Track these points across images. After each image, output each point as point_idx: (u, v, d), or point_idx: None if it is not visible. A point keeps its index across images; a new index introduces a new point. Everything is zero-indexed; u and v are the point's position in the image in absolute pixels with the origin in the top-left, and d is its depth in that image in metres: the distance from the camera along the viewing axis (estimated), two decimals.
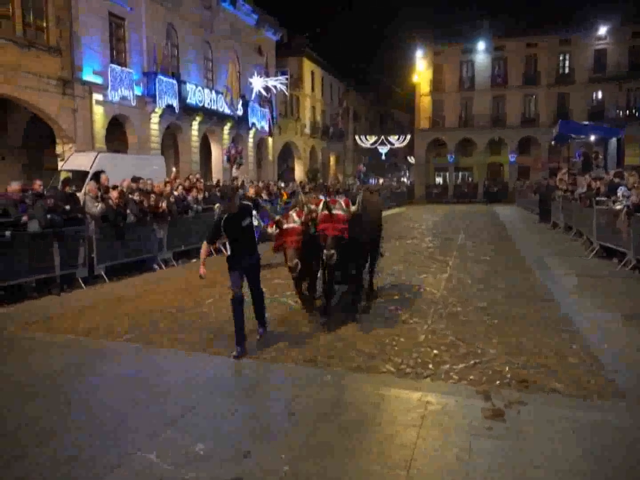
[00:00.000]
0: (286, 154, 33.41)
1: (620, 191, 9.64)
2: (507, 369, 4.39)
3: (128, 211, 8.80)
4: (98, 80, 16.57)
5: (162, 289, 7.76)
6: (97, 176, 10.46)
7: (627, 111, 32.69)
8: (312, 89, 36.41)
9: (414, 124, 38.41)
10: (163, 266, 9.53)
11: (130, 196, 9.21)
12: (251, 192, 10.42)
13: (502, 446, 3.20)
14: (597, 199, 10.62)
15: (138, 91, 18.41)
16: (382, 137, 37.12)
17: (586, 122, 22.82)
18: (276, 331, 5.52)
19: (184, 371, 4.48)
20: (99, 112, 16.73)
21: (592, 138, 17.27)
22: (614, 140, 16.44)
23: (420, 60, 36.75)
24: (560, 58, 34.70)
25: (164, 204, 9.66)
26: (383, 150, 36.94)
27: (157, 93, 18.73)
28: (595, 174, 13.54)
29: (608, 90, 32.98)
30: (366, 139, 37.41)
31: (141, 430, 3.40)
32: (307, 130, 35.11)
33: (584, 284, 7.75)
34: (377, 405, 3.80)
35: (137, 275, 8.82)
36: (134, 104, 18.15)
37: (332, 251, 5.01)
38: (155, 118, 19.32)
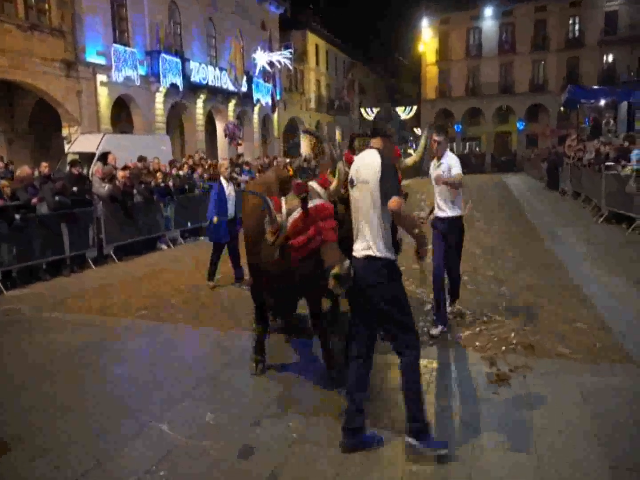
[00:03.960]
0: (292, 129, 33.10)
1: (637, 156, 9.48)
2: (512, 335, 4.42)
3: (135, 191, 8.86)
4: (102, 60, 16.47)
5: (171, 267, 7.87)
6: (104, 157, 10.50)
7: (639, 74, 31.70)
8: (317, 62, 35.77)
9: (421, 95, 37.69)
10: (171, 245, 9.63)
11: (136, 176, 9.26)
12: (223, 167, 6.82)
13: (508, 409, 3.25)
14: (606, 164, 10.47)
15: (142, 71, 18.28)
16: None
17: (596, 87, 22.23)
18: None
19: (197, 346, 4.59)
20: (103, 93, 16.68)
21: (602, 103, 16.88)
22: (624, 104, 16.05)
23: (426, 29, 35.80)
24: (570, 21, 33.60)
25: (170, 183, 9.72)
26: None
27: (161, 72, 18.62)
28: (605, 139, 13.28)
29: (619, 53, 31.96)
30: (372, 111, 36.86)
31: (156, 403, 3.50)
32: (312, 105, 34.67)
33: (593, 251, 7.70)
34: (384, 372, 3.86)
35: (145, 255, 8.93)
36: (138, 83, 18.04)
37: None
38: (159, 97, 19.23)
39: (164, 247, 9.46)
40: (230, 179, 6.69)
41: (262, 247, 3.32)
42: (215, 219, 6.33)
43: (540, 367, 3.81)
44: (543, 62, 34.30)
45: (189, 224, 10.31)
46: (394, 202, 2.60)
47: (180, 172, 10.95)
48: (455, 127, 35.90)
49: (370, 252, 2.73)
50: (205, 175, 11.65)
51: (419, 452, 2.77)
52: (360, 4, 65.24)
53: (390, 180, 2.68)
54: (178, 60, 19.63)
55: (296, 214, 3.00)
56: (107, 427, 3.23)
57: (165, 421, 3.26)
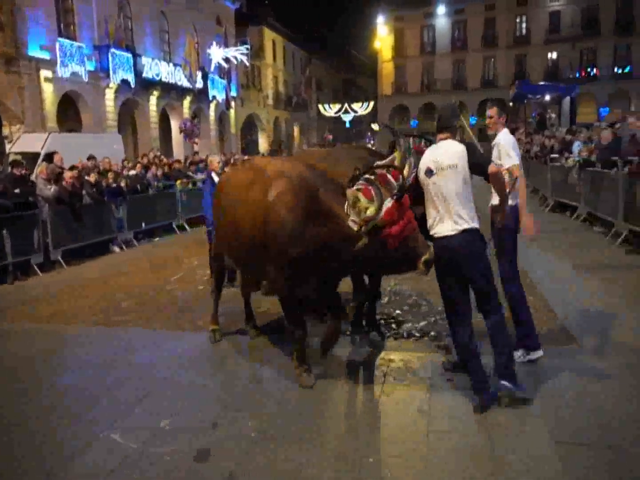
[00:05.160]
0: (249, 126, 32.78)
1: (578, 148, 9.99)
2: None
3: (84, 192, 8.50)
4: (45, 55, 15.70)
5: (124, 270, 7.61)
6: (49, 158, 10.02)
7: (581, 70, 33.48)
8: (274, 58, 35.56)
9: (378, 91, 38.23)
10: (124, 247, 9.31)
11: (86, 177, 8.90)
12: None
13: (461, 395, 3.34)
14: (551, 156, 10.98)
15: (90, 66, 17.58)
16: (346, 105, 36.84)
17: (542, 83, 23.30)
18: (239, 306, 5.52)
19: (152, 350, 4.45)
20: (48, 89, 15.91)
21: (547, 98, 17.71)
22: (567, 99, 16.92)
23: (382, 26, 36.38)
24: (517, 20, 34.99)
25: (122, 183, 9.40)
26: (347, 118, 36.72)
27: (110, 68, 17.99)
28: (549, 133, 13.93)
29: (562, 50, 33.63)
30: (330, 107, 37.03)
31: (109, 412, 3.38)
32: (270, 101, 34.47)
33: (539, 238, 8.01)
34: (343, 365, 3.90)
35: (96, 259, 8.58)
36: (86, 79, 17.35)
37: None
38: (110, 94, 18.56)
39: (117, 249, 9.13)
40: (220, 175, 6.32)
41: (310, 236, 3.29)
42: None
43: (492, 352, 3.93)
44: (493, 59, 35.55)
45: (143, 224, 10.00)
46: (492, 166, 3.11)
47: (133, 172, 10.61)
48: (411, 122, 36.66)
49: (466, 226, 3.08)
50: (159, 173, 11.34)
51: (512, 395, 3.13)
52: None
53: (480, 154, 3.26)
54: (129, 55, 19.01)
55: (388, 203, 3.04)
56: (57, 440, 3.09)
57: (117, 430, 3.15)
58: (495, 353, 3.23)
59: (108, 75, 17.99)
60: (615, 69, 33.25)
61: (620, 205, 7.10)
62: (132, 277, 7.14)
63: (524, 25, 35.05)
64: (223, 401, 3.48)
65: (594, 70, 33.36)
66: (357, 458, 2.77)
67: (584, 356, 3.83)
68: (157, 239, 10.34)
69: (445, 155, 3.11)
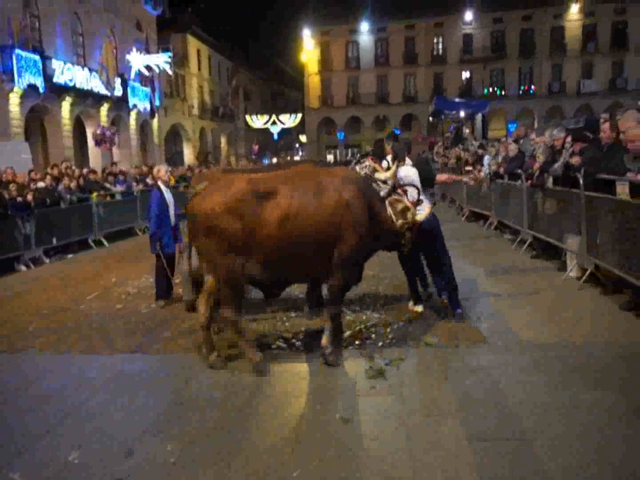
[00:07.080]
0: (174, 136, 31.80)
1: (487, 161, 10.76)
2: (388, 330, 4.70)
3: None
4: None
5: (32, 290, 7.00)
6: None
7: (491, 89, 36.48)
8: (199, 67, 34.89)
9: (305, 103, 38.82)
10: (32, 265, 8.56)
11: None
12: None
13: (384, 401, 3.43)
14: (466, 169, 11.73)
15: None
16: (274, 116, 36.96)
17: (457, 99, 25.01)
18: (165, 325, 5.29)
19: (62, 375, 4.11)
20: None
21: (462, 114, 19.01)
22: (479, 115, 18.28)
23: (309, 39, 37.06)
24: (435, 40, 37.34)
25: (29, 196, 8.65)
26: (275, 130, 36.83)
27: (15, 70, 16.55)
28: (464, 147, 14.90)
29: (475, 70, 36.41)
30: (257, 118, 36.94)
31: (7, 448, 3.05)
32: (196, 111, 33.70)
33: (455, 245, 8.49)
34: (268, 380, 3.84)
35: None
36: None
37: None
38: (14, 99, 17.11)
39: (23, 268, 8.37)
40: (168, 185, 6.04)
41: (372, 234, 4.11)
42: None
43: (412, 357, 4.10)
44: (413, 76, 37.56)
45: (54, 240, 9.28)
46: (439, 176, 5.63)
47: (42, 184, 9.82)
48: (338, 134, 37.60)
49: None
50: (73, 185, 10.62)
51: (462, 317, 4.86)
52: (241, 8, 65.04)
53: (429, 171, 5.33)
54: (37, 57, 17.65)
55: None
56: None
57: (17, 468, 2.85)
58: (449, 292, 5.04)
59: (12, 79, 16.58)
60: (521, 89, 36.59)
61: (525, 215, 7.72)
62: (40, 297, 6.57)
63: (440, 45, 37.49)
64: (140, 426, 3.29)
65: (503, 89, 36.49)
66: (281, 473, 2.73)
67: (493, 354, 4.08)
68: (70, 255, 9.64)
69: (406, 176, 4.67)
